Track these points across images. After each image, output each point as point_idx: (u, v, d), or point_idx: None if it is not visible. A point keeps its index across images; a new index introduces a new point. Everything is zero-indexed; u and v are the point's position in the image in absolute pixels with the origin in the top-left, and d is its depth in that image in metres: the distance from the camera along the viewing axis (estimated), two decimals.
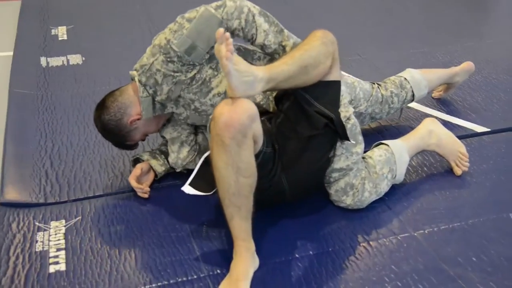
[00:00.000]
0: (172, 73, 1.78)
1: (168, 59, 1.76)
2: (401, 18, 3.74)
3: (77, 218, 1.85)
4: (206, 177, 1.65)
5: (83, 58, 3.13)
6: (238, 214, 1.54)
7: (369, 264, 1.66)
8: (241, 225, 1.55)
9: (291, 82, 1.63)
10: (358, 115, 2.10)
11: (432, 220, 1.83)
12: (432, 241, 1.74)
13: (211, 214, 1.86)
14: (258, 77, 1.52)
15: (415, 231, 1.78)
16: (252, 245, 1.58)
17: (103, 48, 3.28)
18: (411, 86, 2.23)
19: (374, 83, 2.19)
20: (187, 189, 1.67)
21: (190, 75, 1.79)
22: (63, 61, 3.10)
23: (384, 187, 1.88)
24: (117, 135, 1.90)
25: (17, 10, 3.85)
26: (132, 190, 1.98)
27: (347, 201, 1.83)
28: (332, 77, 1.74)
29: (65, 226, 1.81)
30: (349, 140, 1.76)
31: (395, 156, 1.90)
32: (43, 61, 3.09)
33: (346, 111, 1.79)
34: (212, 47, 1.72)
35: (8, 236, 1.75)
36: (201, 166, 1.68)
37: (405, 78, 2.25)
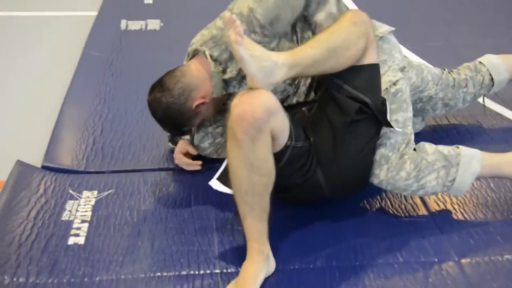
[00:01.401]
0: None
1: (250, 29, 1.64)
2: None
3: (110, 191, 1.83)
4: None
5: (162, 24, 3.12)
6: (251, 214, 1.44)
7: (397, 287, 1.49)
8: (253, 225, 1.44)
9: (319, 67, 1.48)
10: (428, 99, 1.94)
11: (483, 248, 1.61)
12: (477, 273, 1.53)
13: None
14: (278, 63, 1.39)
15: (460, 257, 1.58)
16: (265, 248, 1.47)
17: (183, 16, 3.25)
18: (487, 69, 2.01)
19: (444, 69, 2.01)
20: (215, 184, 1.58)
21: (269, 47, 1.66)
22: (141, 25, 3.11)
23: (432, 182, 1.63)
24: (178, 120, 1.74)
25: None
26: (171, 168, 1.93)
27: (380, 175, 1.62)
28: (367, 60, 1.57)
29: (96, 197, 1.80)
30: (391, 127, 1.57)
31: (462, 160, 1.63)
32: (123, 24, 3.12)
33: (393, 76, 1.63)
34: (296, 18, 1.66)
35: (40, 201, 1.77)
36: None
37: (480, 62, 2.04)
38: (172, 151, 1.99)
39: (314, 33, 1.70)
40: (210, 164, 1.94)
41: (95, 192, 1.83)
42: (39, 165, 1.95)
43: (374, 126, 1.58)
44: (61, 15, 3.39)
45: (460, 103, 2.00)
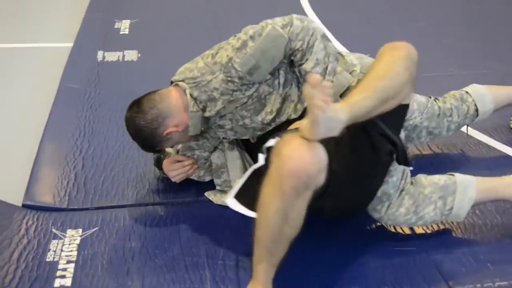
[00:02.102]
0: (231, 92, 1.69)
1: (229, 78, 1.67)
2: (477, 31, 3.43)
3: (95, 229, 1.78)
4: (252, 192, 1.51)
5: (139, 55, 3.09)
6: (269, 260, 1.41)
7: None
8: (267, 271, 1.41)
9: (367, 116, 1.45)
10: (413, 128, 1.96)
11: (474, 275, 1.61)
12: None
13: (231, 239, 1.74)
14: (342, 121, 1.34)
15: (452, 285, 1.57)
16: None
17: (161, 46, 3.24)
18: (473, 100, 2.03)
19: (430, 97, 2.02)
20: (232, 202, 1.55)
21: (248, 93, 1.70)
22: (119, 56, 3.09)
23: (430, 213, 1.65)
24: (148, 142, 1.80)
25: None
26: (156, 203, 1.90)
27: (381, 211, 1.64)
28: (405, 100, 1.56)
29: (81, 236, 1.75)
30: (409, 167, 1.63)
31: (458, 188, 1.65)
32: (99, 55, 3.08)
33: None
34: (276, 67, 1.68)
35: (22, 242, 1.71)
36: (248, 177, 1.56)
37: (466, 92, 2.06)
38: (157, 177, 2.00)
39: (303, 79, 1.69)
40: (195, 196, 1.93)
41: (80, 230, 1.78)
42: (20, 204, 1.89)
43: (388, 165, 1.60)
44: (36, 47, 3.34)
45: (444, 131, 2.02)
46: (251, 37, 1.66)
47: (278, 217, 1.36)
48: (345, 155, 1.52)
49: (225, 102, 1.71)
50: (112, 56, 3.08)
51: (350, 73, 1.75)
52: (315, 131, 1.31)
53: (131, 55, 3.09)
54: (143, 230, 1.79)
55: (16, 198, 1.92)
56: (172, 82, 1.84)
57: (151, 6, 3.87)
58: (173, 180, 1.92)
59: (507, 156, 2.14)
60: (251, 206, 1.51)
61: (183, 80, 1.76)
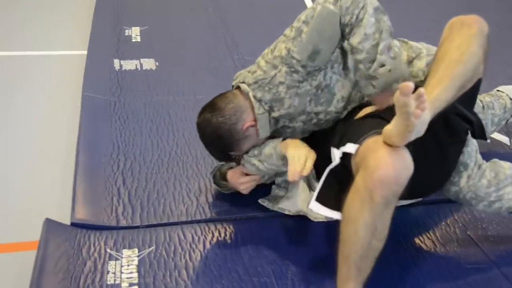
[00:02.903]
0: (297, 84, 1.64)
1: (292, 69, 1.62)
2: None
3: (151, 248, 1.71)
4: (332, 192, 1.49)
5: (157, 63, 3.01)
6: (356, 278, 1.36)
7: None
8: None
9: (446, 106, 1.41)
10: None
11: None
12: None
13: (295, 255, 1.69)
14: (427, 121, 1.31)
15: None
16: None
17: (177, 54, 3.15)
18: (507, 94, 2.07)
19: None
20: (315, 206, 1.50)
21: (315, 83, 1.65)
22: (136, 65, 2.99)
23: (510, 194, 1.60)
24: (227, 141, 1.71)
25: (92, 7, 3.77)
26: (209, 219, 1.83)
27: (460, 182, 1.60)
28: (479, 75, 1.51)
29: (138, 256, 1.67)
30: (487, 140, 1.70)
31: None
32: (116, 63, 2.99)
33: None
34: (336, 46, 1.62)
35: (78, 263, 1.62)
36: (325, 178, 1.51)
37: (497, 90, 2.11)
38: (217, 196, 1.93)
39: (353, 56, 1.61)
40: (249, 212, 1.87)
41: (136, 250, 1.70)
42: (66, 222, 1.80)
43: (463, 143, 1.59)
44: (45, 55, 3.23)
45: (489, 125, 2.00)
46: (304, 22, 1.60)
47: (367, 231, 1.32)
48: (420, 139, 1.42)
49: (293, 96, 1.65)
50: (129, 65, 2.99)
51: (416, 56, 1.72)
52: (408, 138, 1.27)
53: (149, 63, 3.01)
54: (202, 249, 1.72)
55: (58, 216, 1.83)
56: (233, 87, 1.79)
57: (158, 13, 3.78)
58: (243, 191, 1.84)
59: None
60: (334, 206, 1.48)
61: (243, 83, 1.72)
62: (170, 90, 2.73)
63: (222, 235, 1.78)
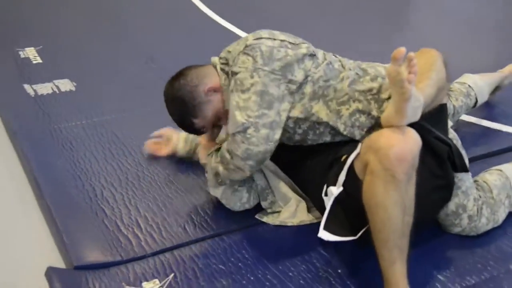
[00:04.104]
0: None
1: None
2: None
3: (171, 275, 1.62)
4: (339, 219, 1.51)
5: (74, 83, 2.80)
6: (401, 257, 1.41)
7: None
8: (402, 269, 1.42)
9: (428, 106, 1.50)
10: None
11: None
12: None
13: (320, 252, 1.70)
14: (421, 103, 1.40)
15: None
16: None
17: (90, 71, 2.97)
18: (475, 94, 2.18)
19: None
20: (325, 235, 1.50)
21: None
22: (52, 88, 2.76)
23: (502, 215, 1.75)
24: (188, 105, 1.71)
25: None
26: (216, 234, 1.78)
27: (462, 224, 1.70)
28: (444, 99, 1.65)
29: (161, 286, 1.58)
30: (468, 171, 1.63)
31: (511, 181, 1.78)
32: (28, 89, 2.72)
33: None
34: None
35: None
36: (330, 207, 1.53)
37: (469, 85, 2.18)
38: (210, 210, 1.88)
39: None
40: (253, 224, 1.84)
41: (157, 281, 1.60)
42: (66, 266, 1.65)
43: (450, 171, 1.58)
44: None
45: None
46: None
47: (398, 210, 1.37)
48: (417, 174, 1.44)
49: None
50: (44, 89, 2.74)
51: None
52: (406, 111, 1.35)
53: (65, 85, 2.79)
54: (223, 265, 1.66)
55: (52, 261, 1.66)
56: None
57: (47, 30, 3.51)
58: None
59: (494, 130, 2.35)
60: (343, 233, 1.51)
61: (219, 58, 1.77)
62: (104, 109, 2.56)
63: (238, 246, 1.73)
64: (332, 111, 1.62)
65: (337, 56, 1.75)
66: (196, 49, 3.26)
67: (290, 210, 1.82)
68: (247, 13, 3.86)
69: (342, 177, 1.53)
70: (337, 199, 1.53)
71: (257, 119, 1.56)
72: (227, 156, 1.63)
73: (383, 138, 1.36)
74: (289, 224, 1.82)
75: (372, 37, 3.35)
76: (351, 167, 1.50)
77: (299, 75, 1.61)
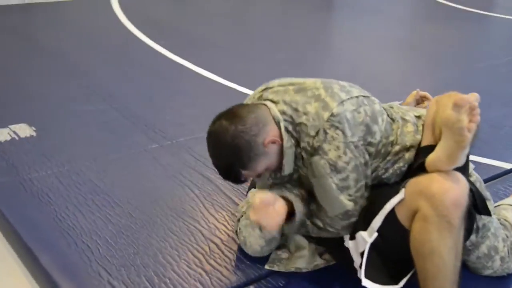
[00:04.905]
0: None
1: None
2: None
3: None
4: (377, 266, 1.48)
5: (33, 128, 2.60)
6: None
7: None
8: None
9: None
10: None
11: None
12: None
13: None
14: (468, 148, 1.39)
15: None
16: None
17: (46, 112, 2.78)
18: None
19: None
20: (368, 283, 1.46)
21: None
22: (8, 133, 2.55)
23: None
24: (244, 155, 1.48)
25: None
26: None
27: (494, 266, 1.66)
28: None
29: None
30: (491, 215, 1.58)
31: None
32: None
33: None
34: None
35: None
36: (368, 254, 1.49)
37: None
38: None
39: None
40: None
41: None
42: None
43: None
44: None
45: None
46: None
47: (452, 256, 1.37)
48: None
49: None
50: (1, 136, 2.52)
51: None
52: (459, 158, 1.35)
53: (24, 130, 2.58)
54: None
55: None
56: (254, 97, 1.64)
57: None
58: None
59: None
60: (384, 279, 1.49)
61: (275, 103, 1.54)
62: (74, 155, 2.39)
63: None
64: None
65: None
66: (153, 85, 3.18)
67: (304, 255, 1.76)
68: (197, 48, 3.83)
69: (377, 223, 1.49)
70: (372, 246, 1.50)
71: (356, 193, 1.51)
72: (320, 225, 1.59)
73: (437, 183, 1.35)
74: (304, 270, 1.74)
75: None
76: (391, 213, 1.47)
77: (377, 135, 1.53)
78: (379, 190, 1.57)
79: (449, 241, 1.35)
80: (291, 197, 1.56)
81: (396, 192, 1.46)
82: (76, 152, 2.42)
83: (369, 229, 1.52)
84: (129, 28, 4.22)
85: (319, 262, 1.76)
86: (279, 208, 1.49)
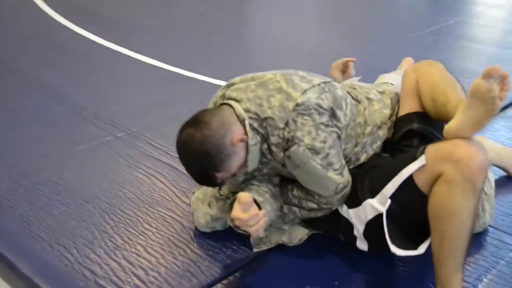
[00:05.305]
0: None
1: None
2: None
3: None
4: (393, 233, 1.51)
5: None
6: (462, 266, 1.44)
7: None
8: (461, 277, 1.45)
9: None
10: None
11: None
12: None
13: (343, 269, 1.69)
14: None
15: None
16: None
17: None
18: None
19: None
20: (399, 251, 1.49)
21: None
22: None
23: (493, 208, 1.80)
24: (215, 158, 1.49)
25: None
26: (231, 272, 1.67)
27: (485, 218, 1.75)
28: None
29: None
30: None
31: None
32: None
33: None
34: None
35: None
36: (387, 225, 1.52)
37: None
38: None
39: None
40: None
41: None
42: None
43: None
44: None
45: None
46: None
47: (472, 218, 1.41)
48: None
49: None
50: None
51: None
52: (485, 125, 1.39)
53: None
54: None
55: None
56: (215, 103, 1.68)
57: None
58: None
59: None
60: (405, 245, 1.53)
61: (240, 102, 1.57)
62: (26, 153, 2.27)
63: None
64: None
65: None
66: (92, 75, 3.04)
67: (284, 229, 1.74)
68: (130, 33, 3.70)
69: (390, 190, 1.51)
70: (388, 215, 1.52)
71: (340, 166, 1.57)
72: (315, 206, 1.62)
73: (463, 148, 1.38)
74: (290, 245, 1.75)
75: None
76: (407, 179, 1.48)
77: (342, 119, 1.60)
78: (380, 160, 1.62)
79: (471, 204, 1.39)
80: (259, 199, 1.60)
81: (412, 159, 1.48)
82: (27, 151, 2.29)
83: (378, 196, 1.53)
84: (56, 18, 4.00)
85: (303, 235, 1.76)
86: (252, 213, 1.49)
